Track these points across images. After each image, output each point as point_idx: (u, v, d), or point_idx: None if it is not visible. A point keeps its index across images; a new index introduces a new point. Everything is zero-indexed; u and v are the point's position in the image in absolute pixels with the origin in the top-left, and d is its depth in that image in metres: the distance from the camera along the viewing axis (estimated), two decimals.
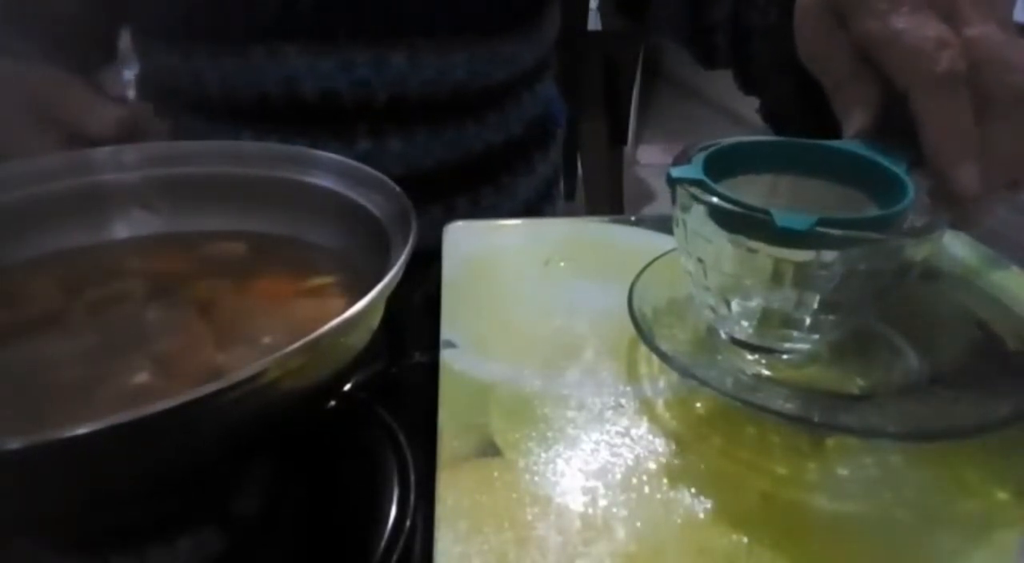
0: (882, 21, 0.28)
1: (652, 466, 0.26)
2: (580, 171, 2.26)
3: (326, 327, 0.21)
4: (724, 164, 0.29)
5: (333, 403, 0.27)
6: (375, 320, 0.27)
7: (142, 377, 0.26)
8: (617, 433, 0.27)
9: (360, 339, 0.26)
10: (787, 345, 0.30)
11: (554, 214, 0.69)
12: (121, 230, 0.37)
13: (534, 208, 0.64)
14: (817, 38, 0.32)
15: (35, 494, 0.20)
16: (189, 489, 0.26)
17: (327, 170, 0.36)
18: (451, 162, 0.56)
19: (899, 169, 0.28)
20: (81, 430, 0.17)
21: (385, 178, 0.33)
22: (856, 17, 0.30)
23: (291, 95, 0.51)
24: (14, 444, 0.17)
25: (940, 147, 0.27)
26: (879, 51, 0.29)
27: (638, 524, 0.24)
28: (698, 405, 0.29)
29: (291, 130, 0.53)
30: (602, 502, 0.24)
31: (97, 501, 0.22)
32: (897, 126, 0.29)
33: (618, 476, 0.25)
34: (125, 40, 0.59)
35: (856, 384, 0.29)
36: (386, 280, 0.24)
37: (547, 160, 0.64)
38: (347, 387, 0.28)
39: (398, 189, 0.32)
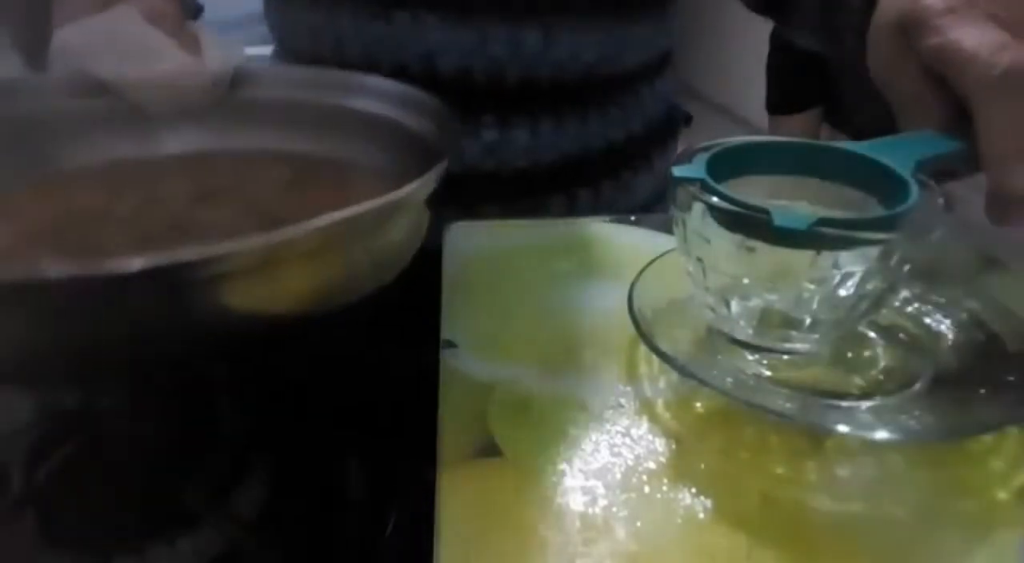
0: (942, 35, 0.29)
1: (652, 466, 0.26)
2: None
3: (338, 213, 0.21)
4: (728, 165, 0.29)
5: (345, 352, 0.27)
6: (398, 231, 0.26)
7: None
8: (617, 433, 0.27)
9: (381, 245, 0.26)
10: (787, 345, 0.30)
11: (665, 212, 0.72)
12: (170, 145, 0.38)
13: (651, 208, 0.66)
14: (888, 60, 0.32)
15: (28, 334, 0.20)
16: (180, 375, 0.25)
17: (376, 95, 0.36)
18: (573, 156, 0.58)
19: (904, 171, 0.28)
20: (55, 272, 0.17)
21: (434, 98, 0.33)
22: (919, 35, 0.30)
23: (429, 70, 0.53)
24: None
25: (996, 147, 0.27)
26: (941, 63, 0.29)
27: (638, 524, 0.24)
28: (698, 405, 0.29)
29: None
30: (602, 502, 0.24)
31: (83, 355, 0.21)
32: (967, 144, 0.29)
33: (618, 476, 0.25)
34: None
35: (856, 384, 0.29)
36: (416, 183, 0.23)
37: (666, 160, 0.66)
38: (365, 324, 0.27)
39: (447, 108, 0.32)
